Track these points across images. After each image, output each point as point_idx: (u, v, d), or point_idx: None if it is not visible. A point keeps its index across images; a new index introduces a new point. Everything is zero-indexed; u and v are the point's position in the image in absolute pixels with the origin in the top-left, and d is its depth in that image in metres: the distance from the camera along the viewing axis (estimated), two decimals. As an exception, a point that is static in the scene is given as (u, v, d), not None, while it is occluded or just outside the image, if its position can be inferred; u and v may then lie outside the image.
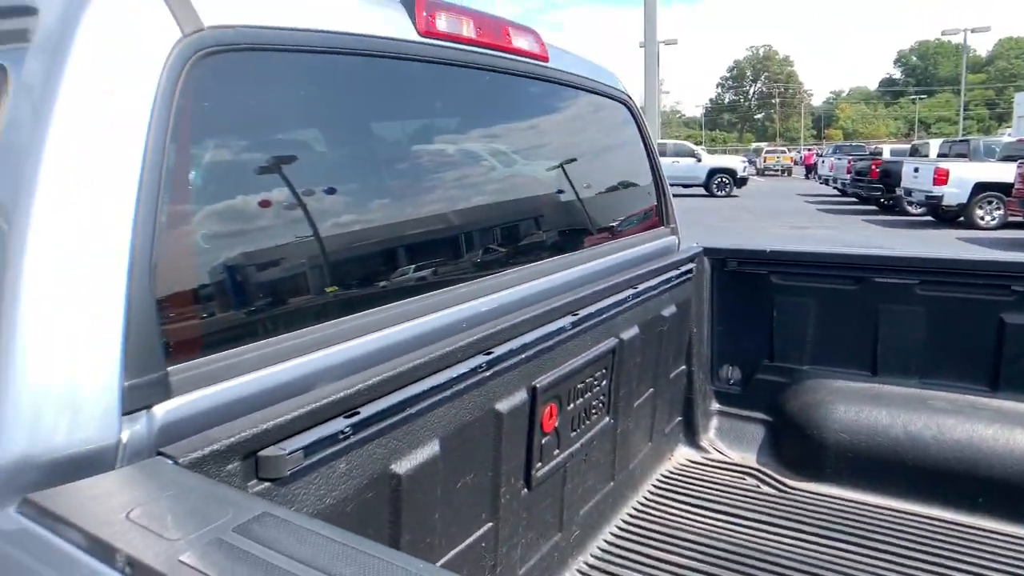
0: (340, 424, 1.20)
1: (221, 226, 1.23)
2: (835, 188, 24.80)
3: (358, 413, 1.23)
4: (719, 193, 25.69)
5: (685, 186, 25.98)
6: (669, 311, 2.62)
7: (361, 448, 1.26)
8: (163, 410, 1.05)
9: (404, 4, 1.66)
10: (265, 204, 1.30)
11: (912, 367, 2.73)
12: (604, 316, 2.11)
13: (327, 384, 1.25)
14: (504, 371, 1.66)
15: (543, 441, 1.89)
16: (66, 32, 1.08)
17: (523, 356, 1.71)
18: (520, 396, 1.74)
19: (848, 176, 22.10)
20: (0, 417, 0.96)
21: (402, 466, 1.35)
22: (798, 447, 2.78)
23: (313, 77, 1.44)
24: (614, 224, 2.65)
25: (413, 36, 1.63)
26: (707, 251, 2.97)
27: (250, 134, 1.31)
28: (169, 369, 1.07)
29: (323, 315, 1.33)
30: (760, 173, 42.68)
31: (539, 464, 1.89)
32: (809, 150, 48.67)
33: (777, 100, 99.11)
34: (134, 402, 1.02)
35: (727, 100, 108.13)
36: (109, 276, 1.02)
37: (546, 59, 2.16)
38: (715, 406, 3.08)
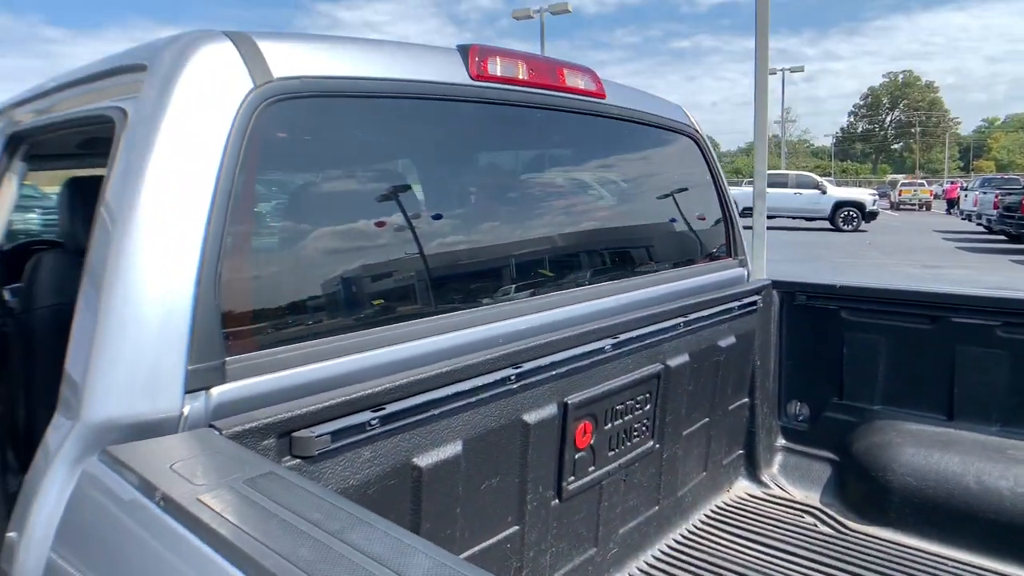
0: (367, 416, 1.39)
1: (276, 245, 1.47)
2: (979, 224, 22.97)
3: (384, 408, 1.42)
4: (845, 227, 24.47)
5: (808, 219, 24.99)
6: (727, 342, 2.65)
7: (386, 440, 1.45)
8: (218, 392, 1.29)
9: (460, 51, 1.87)
10: (315, 234, 1.53)
11: (993, 414, 2.61)
12: (647, 341, 2.20)
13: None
14: (533, 385, 1.80)
15: (576, 456, 2.01)
16: (167, 85, 1.36)
17: (554, 373, 1.85)
18: (550, 410, 1.87)
19: (995, 211, 20.45)
20: (99, 390, 1.22)
21: (424, 460, 1.52)
22: (861, 488, 2.72)
23: (369, 119, 1.67)
24: (676, 254, 2.74)
25: (465, 80, 1.83)
26: (776, 284, 2.97)
27: (308, 169, 1.55)
28: (226, 359, 1.31)
29: (359, 325, 1.53)
30: (895, 207, 40.18)
31: (571, 478, 2.00)
32: (953, 183, 45.26)
33: (917, 129, 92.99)
34: (195, 383, 1.26)
35: (860, 129, 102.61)
36: (182, 280, 1.27)
37: (603, 96, 2.30)
38: (781, 442, 3.05)
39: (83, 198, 2.32)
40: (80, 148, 2.70)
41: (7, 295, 2.34)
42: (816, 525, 2.68)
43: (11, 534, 1.23)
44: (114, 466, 1.11)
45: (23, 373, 2.24)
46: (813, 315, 2.94)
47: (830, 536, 2.60)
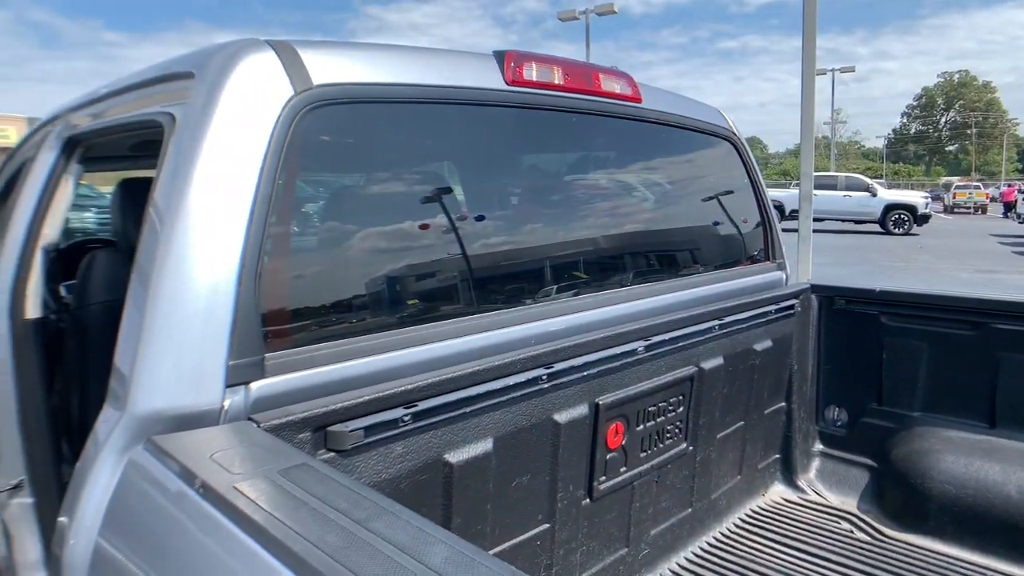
0: (399, 412, 1.43)
1: (314, 246, 1.52)
2: (1037, 229, 22.19)
3: (416, 405, 1.46)
4: (896, 231, 23.83)
5: (857, 222, 24.43)
6: (763, 345, 2.63)
7: (418, 436, 1.49)
8: (257, 386, 1.34)
9: (495, 56, 1.91)
10: (350, 237, 1.58)
11: None
12: (681, 344, 2.20)
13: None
14: (565, 385, 1.82)
15: (608, 457, 2.02)
16: (213, 91, 1.42)
17: (585, 374, 1.87)
18: (580, 410, 1.88)
19: (1054, 215, 19.74)
20: (146, 384, 1.29)
21: (455, 456, 1.56)
22: (899, 495, 2.67)
23: (406, 124, 1.71)
24: (713, 257, 2.73)
25: (500, 85, 1.87)
26: (814, 288, 2.94)
27: (345, 172, 1.60)
28: (265, 356, 1.36)
29: (393, 324, 1.58)
30: (948, 210, 38.96)
31: (603, 477, 2.02)
32: (1010, 185, 43.63)
33: (974, 130, 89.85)
34: (236, 378, 1.32)
35: (913, 130, 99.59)
36: (224, 279, 1.33)
37: (639, 100, 2.31)
38: (818, 447, 3.01)
39: (134, 199, 2.41)
40: (132, 151, 2.81)
41: (63, 291, 2.45)
42: (853, 532, 2.64)
43: (62, 519, 1.31)
44: (158, 455, 1.18)
45: (77, 367, 2.35)
46: (852, 320, 2.90)
47: (867, 543, 2.56)
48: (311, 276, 1.52)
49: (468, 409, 1.57)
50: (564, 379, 1.81)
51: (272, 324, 1.39)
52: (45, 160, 2.23)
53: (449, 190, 1.84)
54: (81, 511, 1.26)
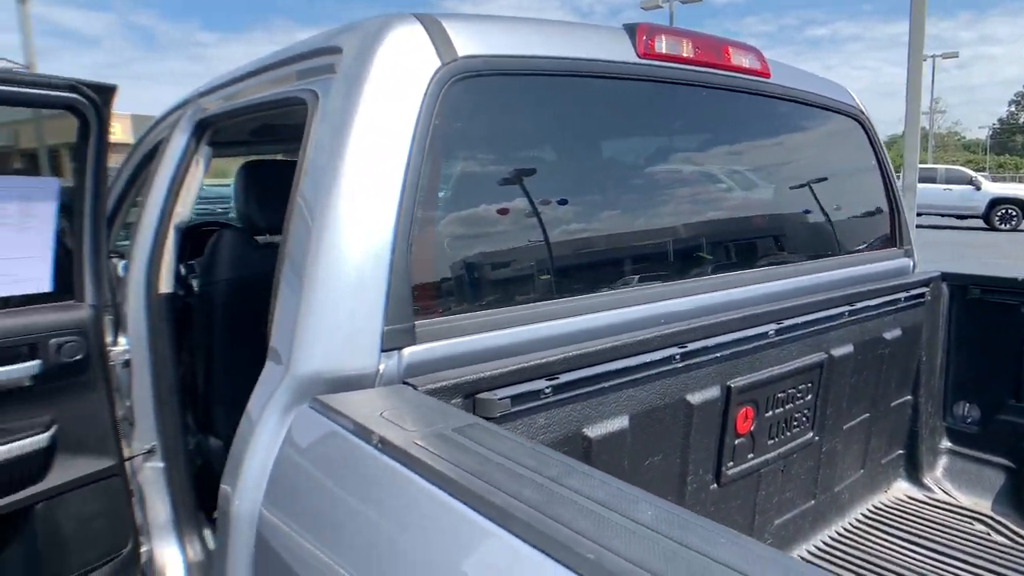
0: (542, 384, 1.43)
1: (460, 222, 1.54)
2: None
3: (557, 378, 1.45)
4: (1002, 226, 22.34)
5: (959, 216, 23.05)
6: (892, 335, 2.51)
7: (558, 408, 1.48)
8: (409, 352, 1.36)
9: (627, 30, 1.87)
10: (495, 208, 1.59)
11: None
12: (811, 329, 2.12)
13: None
14: (697, 366, 1.78)
15: (736, 442, 1.96)
16: (361, 66, 1.44)
17: (718, 355, 1.81)
18: (712, 392, 1.83)
19: None
20: (307, 349, 1.32)
21: (593, 431, 1.54)
22: None
23: (544, 96, 1.70)
24: (838, 240, 2.61)
25: (632, 58, 1.83)
26: (945, 276, 2.77)
27: (491, 148, 1.60)
28: (416, 323, 1.38)
29: (532, 297, 1.57)
30: (1062, 205, 36.23)
31: (731, 463, 1.96)
32: None
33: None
34: (390, 343, 1.34)
35: (1023, 120, 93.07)
36: (378, 254, 1.35)
37: (768, 75, 2.23)
38: (946, 444, 2.85)
39: (256, 180, 2.50)
40: (264, 132, 2.91)
41: (183, 270, 2.56)
42: (989, 534, 2.48)
43: (225, 486, 1.35)
44: (325, 412, 1.21)
45: (202, 340, 2.46)
46: (988, 310, 2.72)
47: (1006, 546, 2.39)
48: (458, 248, 1.53)
49: (606, 384, 1.55)
50: (697, 359, 1.77)
51: (422, 293, 1.41)
52: (178, 142, 2.32)
53: (586, 165, 1.82)
54: (245, 471, 1.30)
